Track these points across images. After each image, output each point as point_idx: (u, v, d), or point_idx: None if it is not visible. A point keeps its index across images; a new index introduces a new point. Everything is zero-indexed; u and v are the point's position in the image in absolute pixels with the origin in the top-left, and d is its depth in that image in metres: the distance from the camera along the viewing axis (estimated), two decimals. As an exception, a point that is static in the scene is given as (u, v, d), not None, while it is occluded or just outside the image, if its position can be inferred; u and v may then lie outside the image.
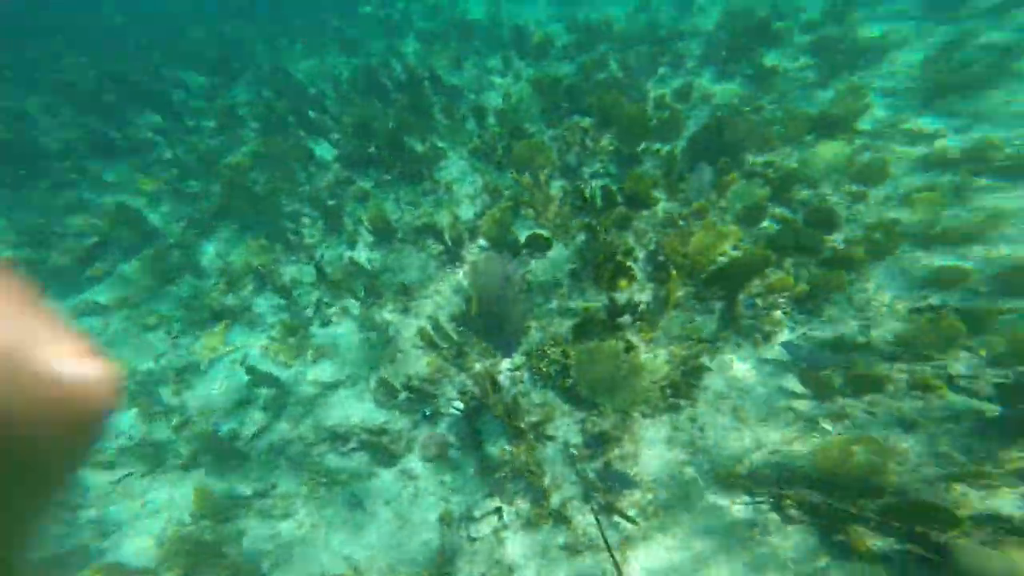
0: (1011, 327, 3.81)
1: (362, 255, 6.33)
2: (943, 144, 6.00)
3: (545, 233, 5.74)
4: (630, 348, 4.45)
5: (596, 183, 6.32)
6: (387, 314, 5.58)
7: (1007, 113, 6.31)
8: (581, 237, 5.80)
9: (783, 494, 3.27)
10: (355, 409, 4.86)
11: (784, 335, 4.37)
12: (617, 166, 6.60)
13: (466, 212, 6.56)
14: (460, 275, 5.83)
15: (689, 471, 3.77)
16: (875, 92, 7.27)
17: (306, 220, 6.88)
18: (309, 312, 5.81)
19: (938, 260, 4.68)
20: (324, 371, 5.24)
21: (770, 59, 8.31)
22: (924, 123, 6.48)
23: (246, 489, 4.41)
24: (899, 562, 2.82)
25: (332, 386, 5.10)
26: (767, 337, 4.38)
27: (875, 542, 2.93)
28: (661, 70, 8.77)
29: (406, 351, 5.22)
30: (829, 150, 5.74)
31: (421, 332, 5.03)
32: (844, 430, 3.60)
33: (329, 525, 4.11)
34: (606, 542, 3.33)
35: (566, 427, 4.36)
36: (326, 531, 4.08)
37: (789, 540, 3.21)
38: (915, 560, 2.72)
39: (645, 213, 5.79)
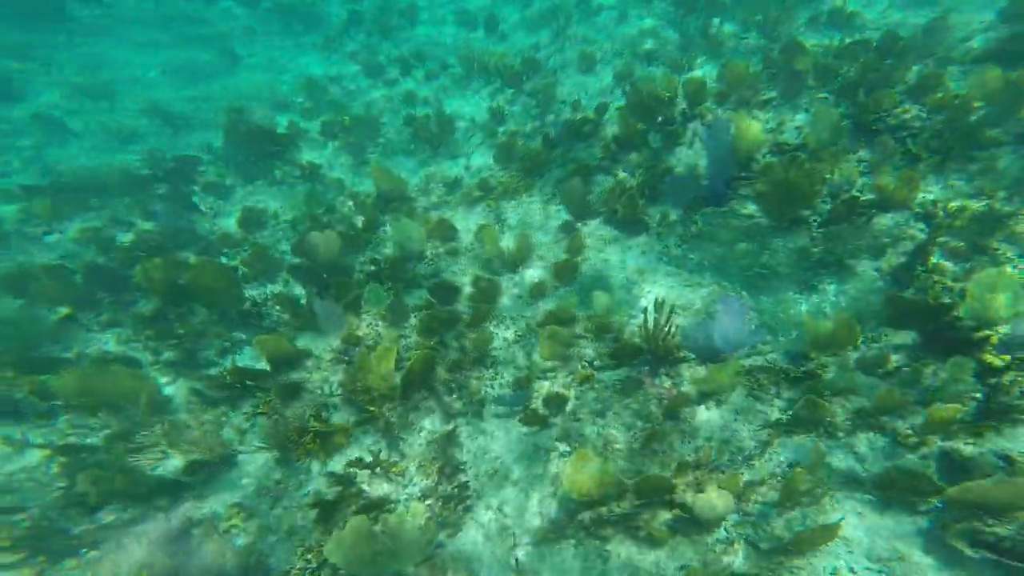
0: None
1: None
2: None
3: (196, 456, 4.62)
4: (377, 507, 4.26)
5: (231, 360, 5.42)
6: None
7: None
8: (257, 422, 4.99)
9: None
10: None
11: (491, 391, 5.16)
12: (244, 329, 5.83)
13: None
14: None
15: (518, 552, 4.10)
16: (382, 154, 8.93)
17: None
18: None
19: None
20: None
21: (307, 157, 8.85)
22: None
23: None
24: (678, 526, 4.04)
25: None
26: (481, 404, 5.06)
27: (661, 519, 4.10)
28: (206, 204, 7.99)
29: None
30: (408, 229, 6.74)
31: None
32: (575, 447, 4.62)
33: None
34: None
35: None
36: None
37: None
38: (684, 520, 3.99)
39: (308, 363, 5.44)
